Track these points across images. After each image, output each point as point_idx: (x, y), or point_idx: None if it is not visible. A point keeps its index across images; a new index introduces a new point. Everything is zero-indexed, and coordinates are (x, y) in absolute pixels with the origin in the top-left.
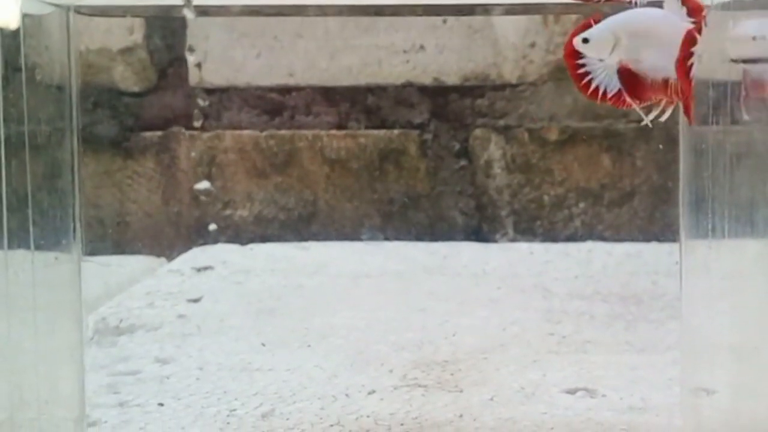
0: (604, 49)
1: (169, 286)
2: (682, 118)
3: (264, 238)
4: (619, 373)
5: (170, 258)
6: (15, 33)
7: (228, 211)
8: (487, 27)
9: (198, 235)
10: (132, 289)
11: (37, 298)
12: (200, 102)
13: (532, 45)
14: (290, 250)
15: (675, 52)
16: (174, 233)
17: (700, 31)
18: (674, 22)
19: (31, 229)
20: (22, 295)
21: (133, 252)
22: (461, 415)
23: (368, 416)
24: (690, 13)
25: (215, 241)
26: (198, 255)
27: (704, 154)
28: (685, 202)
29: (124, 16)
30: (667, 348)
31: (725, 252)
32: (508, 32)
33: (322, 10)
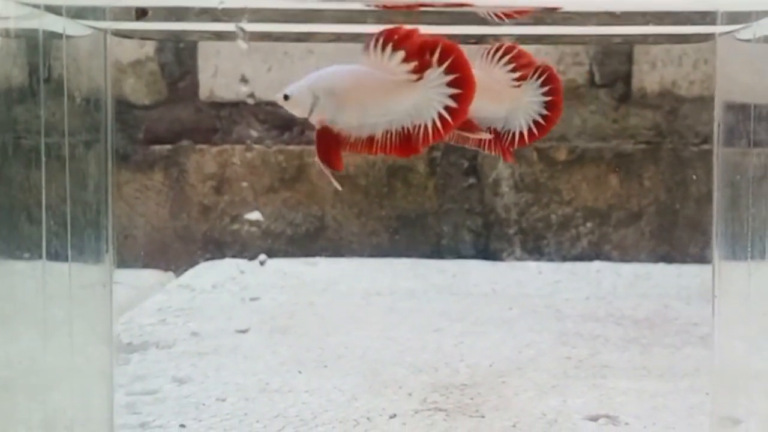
0: (303, 107)
1: (180, 302)
2: (717, 142)
3: (271, 254)
4: (640, 399)
5: (178, 272)
6: (57, 53)
7: (236, 226)
8: None
9: (205, 250)
10: (142, 305)
11: (72, 316)
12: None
13: None
14: (298, 266)
15: (379, 108)
16: (182, 247)
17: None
18: (377, 77)
19: (69, 247)
20: (58, 313)
21: (140, 266)
22: None
23: None
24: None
25: (223, 256)
26: (206, 270)
27: (740, 176)
28: (720, 222)
29: (161, 40)
30: (685, 374)
31: (763, 276)
32: None
33: (337, 36)
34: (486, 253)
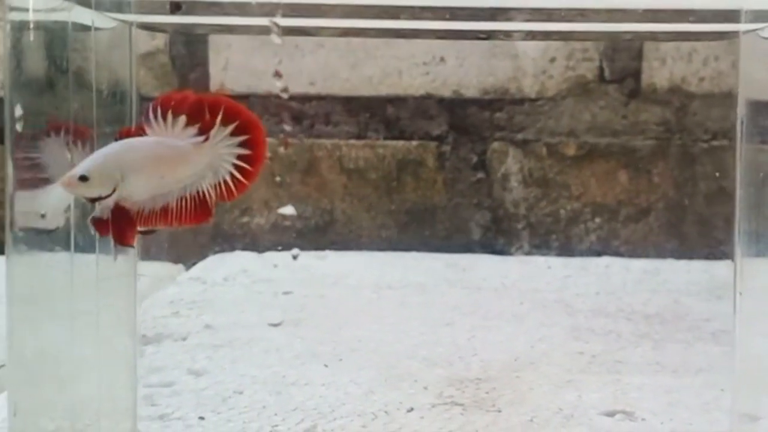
0: (106, 187)
1: (192, 295)
2: (740, 139)
3: (281, 247)
4: (655, 395)
5: (187, 265)
6: (86, 44)
7: (245, 219)
8: (508, 42)
9: (215, 243)
10: (154, 297)
11: (99, 308)
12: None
13: (552, 60)
14: (308, 260)
15: (176, 176)
16: (191, 240)
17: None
18: (169, 145)
19: (96, 239)
20: (85, 304)
21: (150, 258)
22: None
23: None
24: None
25: (232, 249)
26: (216, 262)
27: (764, 173)
28: (742, 219)
29: (183, 33)
30: (699, 370)
31: None
32: (529, 47)
33: (344, 31)
34: (495, 247)
